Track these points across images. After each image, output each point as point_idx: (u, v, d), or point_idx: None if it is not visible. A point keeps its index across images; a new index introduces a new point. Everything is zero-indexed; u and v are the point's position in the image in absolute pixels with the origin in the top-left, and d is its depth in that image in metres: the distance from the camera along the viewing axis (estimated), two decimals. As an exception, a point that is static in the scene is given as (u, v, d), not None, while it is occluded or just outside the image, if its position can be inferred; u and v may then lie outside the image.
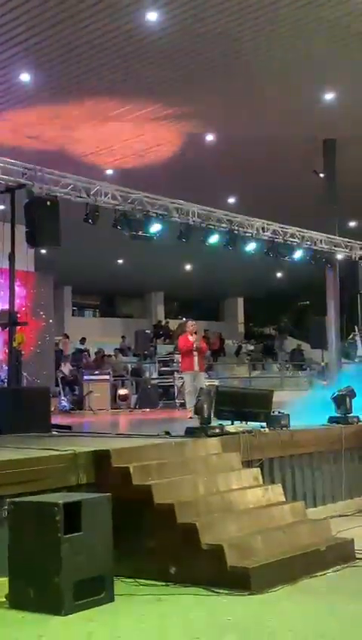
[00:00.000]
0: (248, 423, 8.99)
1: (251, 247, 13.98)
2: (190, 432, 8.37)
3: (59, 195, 10.90)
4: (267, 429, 9.08)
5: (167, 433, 8.53)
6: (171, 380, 19.79)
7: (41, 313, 18.25)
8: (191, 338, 13.18)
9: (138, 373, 21.91)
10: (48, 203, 10.55)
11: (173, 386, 19.71)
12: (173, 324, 31.53)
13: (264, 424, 9.16)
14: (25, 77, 13.41)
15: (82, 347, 23.49)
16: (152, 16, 11.83)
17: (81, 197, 11.35)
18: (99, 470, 6.86)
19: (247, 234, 13.79)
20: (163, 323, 31.45)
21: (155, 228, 12.30)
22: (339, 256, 15.94)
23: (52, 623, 5.40)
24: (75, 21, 11.77)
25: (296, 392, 21.24)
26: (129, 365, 22.85)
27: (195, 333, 13.53)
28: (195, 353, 12.99)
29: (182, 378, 18.64)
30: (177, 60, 13.31)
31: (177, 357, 20.91)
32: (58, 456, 6.73)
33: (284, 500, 7.66)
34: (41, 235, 10.47)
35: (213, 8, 11.72)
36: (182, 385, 18.91)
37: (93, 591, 5.77)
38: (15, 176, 10.42)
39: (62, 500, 5.76)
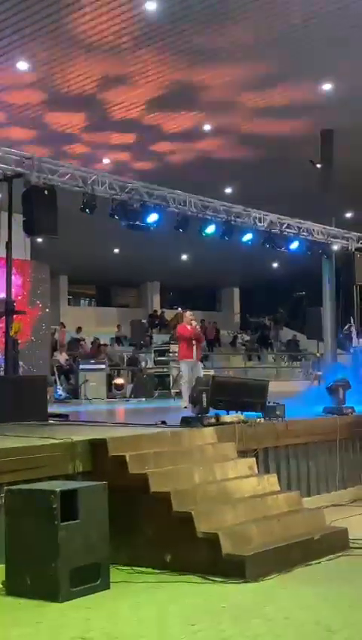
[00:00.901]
0: (244, 412, 9.04)
1: (248, 237, 13.98)
2: (186, 422, 8.42)
3: (56, 184, 10.89)
4: (262, 419, 9.14)
5: (163, 423, 8.59)
6: (167, 370, 19.81)
7: (37, 302, 18.21)
8: (189, 328, 13.27)
9: (134, 363, 21.94)
10: (46, 192, 10.53)
11: (168, 375, 19.75)
12: (170, 314, 31.58)
13: (260, 414, 9.22)
14: (22, 65, 13.36)
15: (78, 336, 23.50)
16: (151, 6, 11.80)
17: (78, 186, 11.33)
18: (96, 459, 6.91)
19: (244, 224, 13.80)
20: (159, 313, 31.48)
21: (152, 218, 12.29)
22: (336, 247, 15.95)
23: (49, 609, 5.44)
24: (71, 10, 11.74)
25: (290, 382, 21.38)
26: (125, 355, 22.88)
27: (193, 323, 13.58)
28: (194, 342, 13.06)
29: (178, 367, 18.74)
30: (175, 52, 13.27)
31: (173, 347, 21.01)
32: (55, 445, 6.77)
33: (279, 489, 7.72)
34: (39, 225, 10.47)
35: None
36: (178, 374, 18.99)
37: (90, 578, 5.82)
38: (12, 165, 10.40)
39: (58, 487, 5.79)
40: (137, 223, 12.20)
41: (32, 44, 12.76)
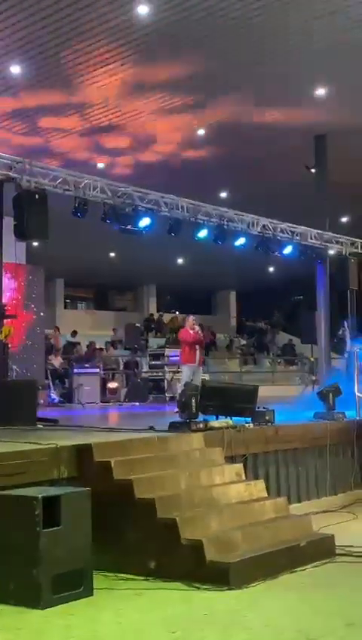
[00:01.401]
0: (233, 418, 9.02)
1: (240, 242, 13.97)
2: (174, 427, 8.41)
3: (47, 188, 10.87)
4: (252, 425, 9.12)
5: (152, 428, 8.56)
6: (161, 374, 19.78)
7: (32, 306, 18.19)
8: (192, 332, 13.55)
9: (131, 367, 21.87)
10: (37, 196, 10.52)
11: (163, 379, 19.70)
12: (166, 317, 31.57)
13: (249, 419, 9.20)
14: (15, 69, 13.36)
15: (73, 340, 23.46)
16: (143, 9, 11.79)
17: (69, 190, 11.32)
18: (81, 464, 6.89)
19: (237, 229, 13.78)
20: (155, 316, 31.44)
21: (144, 222, 12.26)
22: (332, 252, 15.93)
23: (30, 616, 5.43)
24: (64, 14, 11.74)
25: (286, 386, 21.36)
26: (120, 358, 22.81)
27: (195, 327, 13.88)
28: (197, 347, 13.21)
29: (174, 372, 18.76)
30: (166, 53, 13.26)
31: (168, 350, 21.01)
32: (40, 450, 6.75)
33: (266, 495, 7.71)
34: (29, 228, 10.44)
35: (200, 5, 11.71)
36: (171, 378, 18.97)
37: (72, 585, 5.81)
38: (3, 169, 10.39)
39: (41, 494, 5.78)
40: (129, 227, 12.17)
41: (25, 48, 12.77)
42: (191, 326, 13.80)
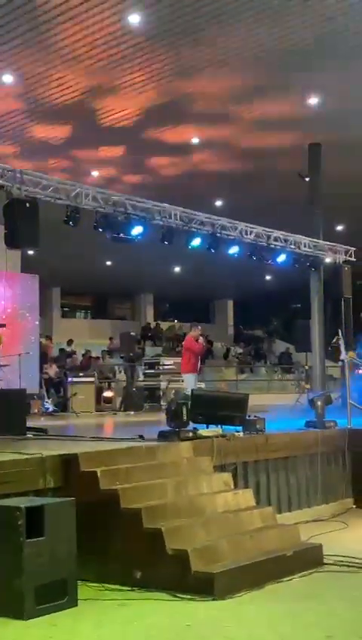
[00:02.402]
0: (223, 426, 8.99)
1: (234, 250, 13.94)
2: (163, 436, 8.37)
3: (39, 197, 10.85)
4: (242, 433, 9.09)
5: (141, 437, 8.53)
6: (157, 383, 19.76)
7: (27, 315, 18.19)
8: (198, 342, 13.93)
9: (126, 376, 21.81)
10: (27, 205, 10.49)
11: (158, 388, 19.68)
12: (164, 325, 31.53)
13: (239, 428, 9.17)
14: (7, 78, 13.39)
15: (68, 349, 23.42)
16: (134, 19, 11.81)
17: (61, 199, 11.30)
18: (67, 474, 6.86)
19: (230, 237, 13.76)
20: (152, 325, 31.41)
21: (137, 230, 12.22)
22: (328, 260, 15.90)
23: (13, 627, 5.40)
24: (55, 24, 11.76)
25: (282, 395, 21.35)
26: (116, 367, 22.78)
27: (200, 338, 14.17)
28: (198, 356, 13.72)
29: (169, 380, 18.77)
30: (162, 64, 13.29)
31: (163, 359, 21.02)
32: (25, 460, 6.72)
33: (254, 504, 7.67)
34: (20, 237, 10.40)
35: (195, 12, 11.72)
36: (167, 387, 18.95)
37: (56, 595, 5.77)
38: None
39: (24, 504, 5.75)
40: (121, 235, 12.14)
41: (17, 57, 12.78)
42: (197, 336, 14.08)
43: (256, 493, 8.31)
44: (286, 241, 14.82)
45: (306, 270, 16.03)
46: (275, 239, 14.58)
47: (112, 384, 21.07)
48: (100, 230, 12.02)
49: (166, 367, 20.09)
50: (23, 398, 10.25)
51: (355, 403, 11.58)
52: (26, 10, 11.44)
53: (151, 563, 6.31)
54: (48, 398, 17.89)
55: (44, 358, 19.28)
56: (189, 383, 13.67)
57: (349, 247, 15.82)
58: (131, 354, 20.02)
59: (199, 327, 14.55)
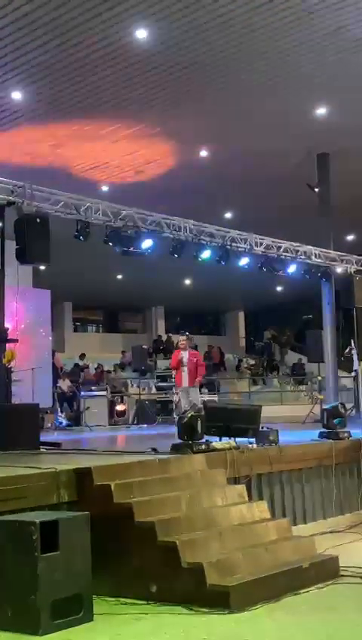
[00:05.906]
0: (236, 438, 8.96)
1: (244, 262, 13.96)
2: (176, 449, 8.34)
3: (49, 212, 10.91)
4: (255, 445, 9.05)
5: (154, 450, 8.51)
6: (169, 396, 19.72)
7: (40, 329, 18.24)
8: (182, 353, 13.32)
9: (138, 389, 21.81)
10: (38, 220, 10.55)
11: (171, 401, 19.64)
12: (176, 338, 31.49)
13: (253, 440, 9.13)
14: (16, 95, 13.47)
15: (80, 363, 23.45)
16: (142, 34, 11.89)
17: (71, 214, 11.36)
18: (81, 488, 6.83)
19: (240, 249, 13.77)
20: (164, 338, 31.41)
21: (147, 244, 12.29)
22: (339, 270, 15.89)
23: (28, 642, 5.37)
24: (65, 39, 11.84)
25: (295, 406, 21.25)
26: (128, 381, 22.79)
27: (187, 348, 13.59)
28: (184, 369, 13.05)
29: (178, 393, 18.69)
30: (170, 77, 13.36)
31: (175, 372, 20.93)
32: (39, 474, 6.71)
33: (269, 517, 7.61)
34: (31, 252, 10.46)
35: (202, 26, 11.78)
36: (178, 400, 18.90)
37: (71, 610, 5.73)
38: (4, 193, 10.43)
39: (39, 518, 5.74)
40: (132, 249, 12.20)
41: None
42: (182, 347, 13.47)
43: (270, 506, 8.25)
44: (296, 251, 14.83)
45: (315, 281, 16.03)
46: (285, 250, 14.60)
47: (125, 397, 21.06)
48: (110, 244, 12.09)
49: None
50: (37, 413, 10.25)
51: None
52: None
53: (166, 576, 6.27)
54: (61, 412, 17.90)
55: (56, 372, 19.33)
56: (180, 396, 13.53)
57: (360, 257, 15.81)
58: (143, 367, 20.01)
59: (181, 338, 14.08)
